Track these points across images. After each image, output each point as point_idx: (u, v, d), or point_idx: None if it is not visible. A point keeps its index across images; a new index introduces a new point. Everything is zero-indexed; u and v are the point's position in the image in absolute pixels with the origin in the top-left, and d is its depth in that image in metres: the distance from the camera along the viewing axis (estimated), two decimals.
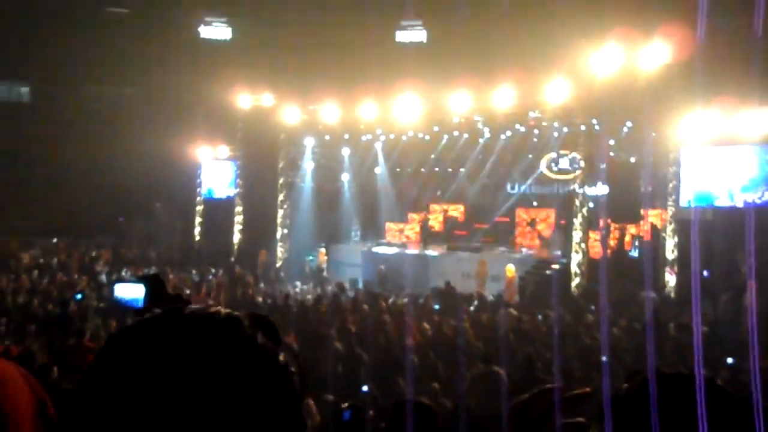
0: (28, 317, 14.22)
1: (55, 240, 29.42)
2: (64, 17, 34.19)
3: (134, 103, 36.27)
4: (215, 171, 32.54)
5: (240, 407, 1.02)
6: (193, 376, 1.01)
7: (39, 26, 33.96)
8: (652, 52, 18.93)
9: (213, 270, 25.02)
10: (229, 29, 38.58)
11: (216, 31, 38.64)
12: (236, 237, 31.08)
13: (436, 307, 18.68)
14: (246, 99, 29.03)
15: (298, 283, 25.07)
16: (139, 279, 2.39)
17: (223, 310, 1.11)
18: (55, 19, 33.99)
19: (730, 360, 10.78)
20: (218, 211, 32.06)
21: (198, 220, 32.86)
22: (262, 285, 23.20)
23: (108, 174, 32.36)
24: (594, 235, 23.52)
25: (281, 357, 1.11)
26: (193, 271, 24.70)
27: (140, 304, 2.34)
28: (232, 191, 31.66)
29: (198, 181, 32.82)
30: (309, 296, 21.26)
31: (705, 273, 20.31)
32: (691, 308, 16.18)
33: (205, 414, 1.00)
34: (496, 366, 9.57)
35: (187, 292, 18.97)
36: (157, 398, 1.00)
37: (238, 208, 31.22)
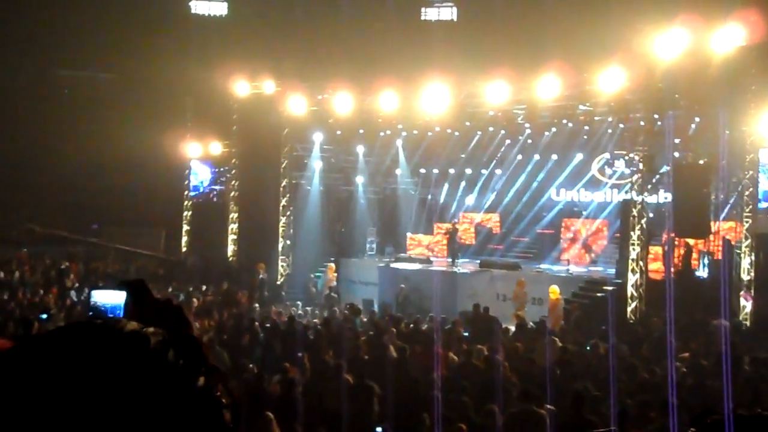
0: None
1: (25, 250, 29.57)
2: None
3: (113, 91, 36.48)
4: (206, 171, 32.70)
5: None
6: (85, 396, 1.01)
7: (4, 3, 34.25)
8: (725, 34, 18.82)
9: (203, 287, 25.09)
10: (225, 4, 38.82)
11: (209, 5, 38.89)
12: (230, 249, 31.19)
13: (466, 334, 18.64)
14: (244, 86, 29.11)
15: (300, 304, 25.10)
16: (120, 285, 2.43)
17: (132, 325, 1.11)
18: None
19: None
20: (210, 218, 32.18)
21: (185, 228, 32.99)
22: (257, 306, 23.23)
23: (81, 173, 32.61)
24: (654, 252, 23.38)
25: (200, 381, 1.10)
26: (179, 289, 24.75)
27: (121, 312, 2.37)
28: (228, 195, 31.77)
29: (186, 182, 32.97)
30: (315, 320, 21.28)
31: None
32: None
33: None
34: (537, 405, 9.53)
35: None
36: (44, 417, 1.00)
37: (233, 215, 31.32)
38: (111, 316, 2.48)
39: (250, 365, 13.36)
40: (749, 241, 20.86)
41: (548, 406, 9.64)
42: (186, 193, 33.08)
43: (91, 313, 2.57)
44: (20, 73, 35.82)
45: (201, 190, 33.05)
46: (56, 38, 34.28)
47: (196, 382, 1.08)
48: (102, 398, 1.01)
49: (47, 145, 32.85)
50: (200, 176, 32.43)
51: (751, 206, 20.92)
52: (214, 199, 32.03)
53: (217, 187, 31.89)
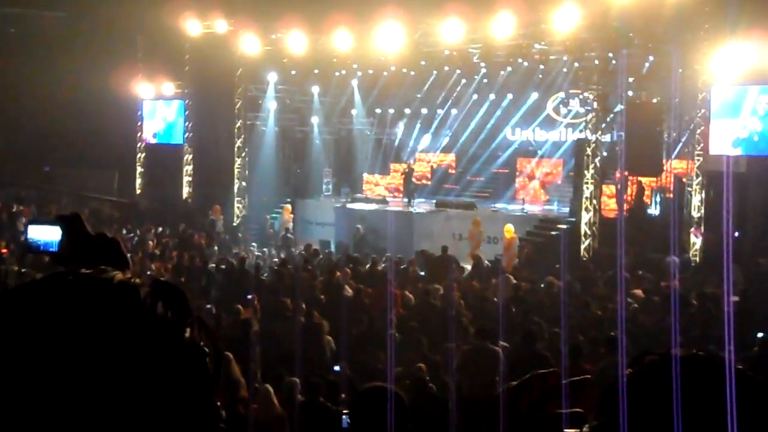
0: None
1: None
2: None
3: (62, 29, 35.54)
4: (159, 111, 32.20)
5: (132, 388, 1.01)
6: (77, 350, 1.00)
7: None
8: None
9: (159, 229, 24.92)
10: None
11: None
12: (185, 191, 30.93)
13: (422, 273, 18.81)
14: (195, 25, 28.59)
15: (255, 245, 25.05)
16: (55, 220, 2.41)
17: (119, 275, 1.10)
18: None
19: (761, 334, 10.94)
20: (163, 159, 31.82)
21: (139, 170, 32.61)
22: (215, 248, 23.17)
23: (31, 115, 31.89)
24: (608, 190, 23.65)
25: (187, 332, 1.11)
26: (134, 232, 24.58)
27: (56, 248, 2.34)
28: (179, 136, 31.38)
29: (138, 123, 32.49)
30: (274, 260, 21.30)
31: (736, 234, 20.57)
32: (715, 276, 16.39)
33: (91, 394, 0.99)
34: (492, 341, 9.68)
35: (128, 255, 18.88)
36: (33, 373, 0.99)
37: (188, 156, 31.02)
38: (46, 250, 2.46)
39: (207, 306, 13.38)
40: (700, 179, 21.15)
41: (502, 343, 9.78)
42: (139, 134, 32.60)
43: (28, 248, 2.55)
44: None
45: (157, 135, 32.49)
46: None
47: (184, 334, 1.09)
48: (93, 352, 1.01)
49: None
50: (169, 116, 31.76)
51: (702, 144, 21.15)
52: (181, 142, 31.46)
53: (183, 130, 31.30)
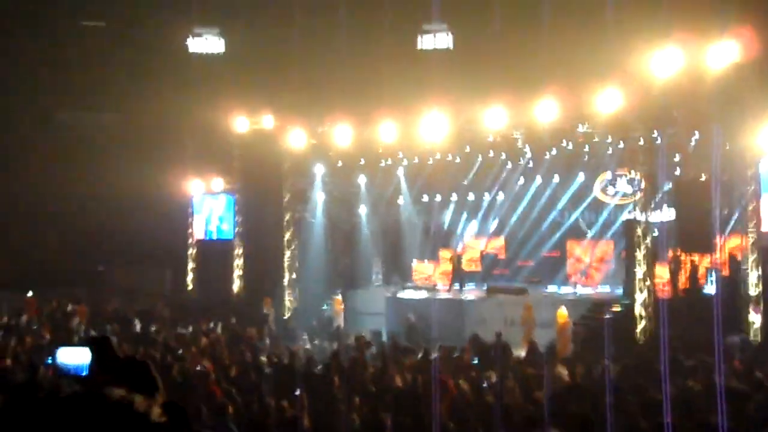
0: None
1: (30, 294, 29.54)
2: (30, 33, 34.74)
3: (114, 131, 36.64)
4: (209, 207, 32.78)
5: None
6: None
7: (2, 46, 34.47)
8: (720, 51, 18.91)
9: (210, 325, 25.05)
10: (222, 41, 39.01)
11: (206, 43, 39.11)
12: (236, 285, 31.19)
13: (475, 361, 18.59)
14: (243, 122, 29.31)
15: (306, 337, 25.00)
16: (85, 342, 2.45)
17: (139, 400, 1.13)
18: (20, 35, 34.54)
19: None
20: (214, 254, 32.25)
21: (190, 266, 33.03)
22: (267, 341, 23.19)
23: (85, 215, 32.69)
24: (661, 270, 23.31)
25: None
26: (186, 328, 24.72)
27: (85, 372, 2.38)
28: (229, 231, 31.84)
29: (189, 220, 33.04)
30: (324, 353, 21.21)
31: None
32: None
33: None
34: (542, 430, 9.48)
35: (180, 351, 19.02)
36: None
37: (238, 251, 31.40)
38: (76, 374, 2.50)
39: (258, 402, 13.31)
40: (755, 255, 20.80)
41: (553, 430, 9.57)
42: (189, 231, 33.13)
43: (59, 373, 2.59)
44: (21, 116, 35.99)
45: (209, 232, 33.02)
46: (56, 80, 34.52)
47: None
48: None
49: (50, 188, 32.96)
50: (219, 212, 32.37)
51: (755, 220, 20.86)
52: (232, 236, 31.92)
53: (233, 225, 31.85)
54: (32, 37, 34.47)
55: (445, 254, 31.23)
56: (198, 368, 16.10)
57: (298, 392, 13.47)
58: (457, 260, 28.68)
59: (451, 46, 36.82)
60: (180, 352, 18.99)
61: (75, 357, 2.24)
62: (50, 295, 29.27)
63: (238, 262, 31.36)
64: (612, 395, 12.67)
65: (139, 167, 31.21)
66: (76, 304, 27.74)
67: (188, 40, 38.70)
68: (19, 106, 35.40)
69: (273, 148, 29.14)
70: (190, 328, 24.39)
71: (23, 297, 28.88)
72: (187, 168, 32.42)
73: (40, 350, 19.12)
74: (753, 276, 20.75)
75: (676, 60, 19.30)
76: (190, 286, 32.83)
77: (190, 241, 33.20)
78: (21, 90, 34.80)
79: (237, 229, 31.58)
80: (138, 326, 24.63)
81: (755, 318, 20.39)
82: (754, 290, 20.65)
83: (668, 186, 25.13)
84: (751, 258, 20.92)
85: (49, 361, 16.50)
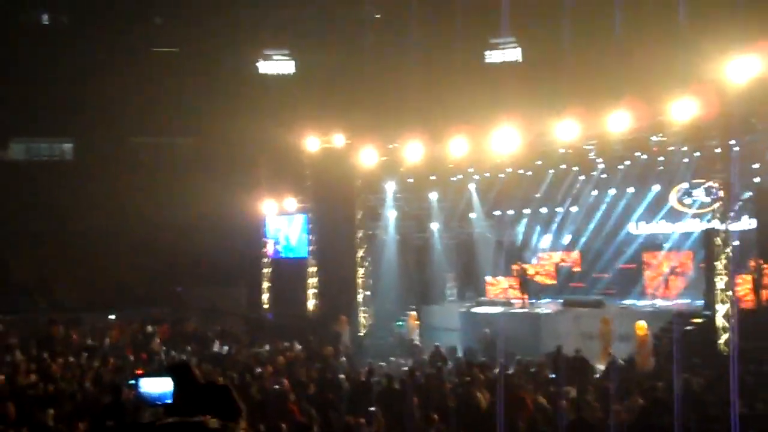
0: (78, 407, 14.69)
1: (113, 317, 30.23)
2: (107, 62, 35.73)
3: (188, 154, 37.53)
4: (283, 226, 33.18)
5: None
6: None
7: (79, 74, 35.52)
8: None
9: (286, 343, 25.28)
10: (292, 62, 39.62)
11: (277, 65, 39.73)
12: (311, 303, 31.46)
13: (552, 375, 18.41)
14: (314, 141, 29.62)
15: (383, 356, 25.00)
16: (166, 371, 2.51)
17: (213, 423, 1.18)
18: (97, 64, 35.55)
19: None
20: (289, 273, 32.60)
21: (265, 285, 33.44)
22: (343, 359, 23.30)
23: (163, 236, 33.40)
24: (744, 280, 22.79)
25: None
26: (262, 347, 25.00)
27: (169, 399, 2.44)
28: (303, 249, 32.17)
29: (263, 239, 33.49)
30: (402, 369, 21.21)
31: None
32: None
33: None
34: None
35: (258, 370, 19.24)
36: None
37: (312, 269, 31.70)
38: (160, 402, 2.55)
39: (337, 420, 13.40)
40: None
41: None
42: (264, 250, 33.57)
43: (143, 401, 2.64)
44: (99, 140, 36.98)
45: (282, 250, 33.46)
46: (131, 107, 35.41)
47: None
48: None
49: (128, 211, 33.77)
50: (294, 231, 32.81)
51: None
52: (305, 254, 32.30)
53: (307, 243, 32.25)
54: (107, 64, 35.45)
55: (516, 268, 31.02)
56: (276, 387, 16.26)
57: (372, 409, 13.56)
58: (521, 273, 28.43)
59: (519, 59, 36.77)
60: (258, 371, 19.20)
61: (157, 385, 2.32)
62: (131, 317, 29.90)
63: (312, 281, 31.64)
64: (697, 409, 12.45)
65: (214, 188, 31.87)
66: (157, 324, 28.28)
67: (259, 62, 39.39)
68: (96, 130, 36.44)
69: (344, 167, 29.38)
70: (267, 347, 24.67)
71: (106, 319, 29.58)
72: (260, 188, 32.91)
73: (123, 371, 19.54)
74: None
75: (753, 66, 18.90)
76: (266, 305, 33.20)
77: (264, 260, 33.61)
78: (99, 115, 35.80)
79: (310, 247, 31.89)
80: (216, 346, 24.99)
81: None
82: None
83: (749, 194, 24.60)
84: None
85: (132, 383, 16.89)
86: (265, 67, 39.77)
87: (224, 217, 31.78)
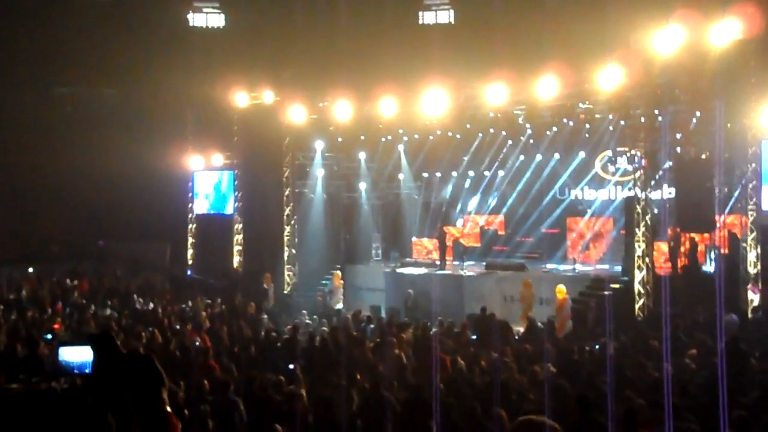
0: None
1: (30, 270, 29.59)
2: (31, 10, 34.52)
3: (114, 106, 36.59)
4: (210, 182, 32.75)
5: None
6: None
7: (3, 22, 34.25)
8: (722, 28, 18.79)
9: (209, 300, 25.09)
10: (222, 15, 38.88)
11: (207, 18, 38.95)
12: (236, 260, 31.23)
13: (474, 337, 18.63)
14: (243, 97, 29.17)
15: (306, 313, 25.02)
16: (86, 340, 2.42)
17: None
18: (21, 12, 34.34)
19: None
20: (215, 229, 32.24)
21: (190, 241, 33.08)
22: (265, 316, 23.23)
23: (85, 190, 32.67)
24: (661, 248, 23.31)
25: None
26: (186, 303, 24.76)
27: (89, 369, 2.34)
28: (229, 206, 31.84)
29: (189, 195, 33.04)
30: (323, 329, 21.26)
31: None
32: None
33: None
34: (540, 409, 9.48)
35: (177, 326, 19.08)
36: None
37: (238, 226, 31.42)
38: (80, 372, 2.46)
39: (257, 376, 13.33)
40: (755, 233, 20.78)
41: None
42: (190, 206, 33.15)
43: (61, 371, 2.54)
44: (21, 93, 35.86)
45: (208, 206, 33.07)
46: (56, 56, 34.38)
47: None
48: None
49: (50, 163, 32.90)
50: (220, 187, 32.39)
51: (754, 199, 20.83)
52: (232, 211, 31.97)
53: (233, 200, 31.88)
54: (32, 13, 34.27)
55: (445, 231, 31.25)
56: (197, 343, 16.14)
57: (292, 366, 13.56)
58: (441, 236, 28.61)
59: (452, 21, 36.69)
60: (178, 327, 19.05)
61: (77, 354, 2.22)
62: (52, 270, 29.32)
63: (238, 238, 31.39)
64: (611, 373, 12.71)
65: (139, 142, 31.22)
66: (77, 278, 27.79)
67: (188, 14, 38.56)
68: (19, 80, 35.30)
69: (273, 124, 29.05)
70: (190, 303, 24.45)
71: (24, 272, 28.95)
72: (187, 143, 32.37)
73: (41, 325, 19.17)
74: (752, 255, 20.74)
75: (679, 37, 19.15)
76: (191, 261, 32.87)
77: (190, 216, 33.20)
78: (20, 65, 34.70)
79: (237, 204, 31.56)
80: (138, 301, 24.65)
81: (754, 297, 20.38)
82: (753, 269, 20.64)
83: (669, 164, 25.07)
84: (750, 236, 20.90)
85: (48, 337, 16.58)
86: (195, 19, 38.95)
87: (149, 171, 31.17)
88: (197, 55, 35.12)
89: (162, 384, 2.43)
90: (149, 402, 2.31)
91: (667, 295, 20.38)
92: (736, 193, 23.31)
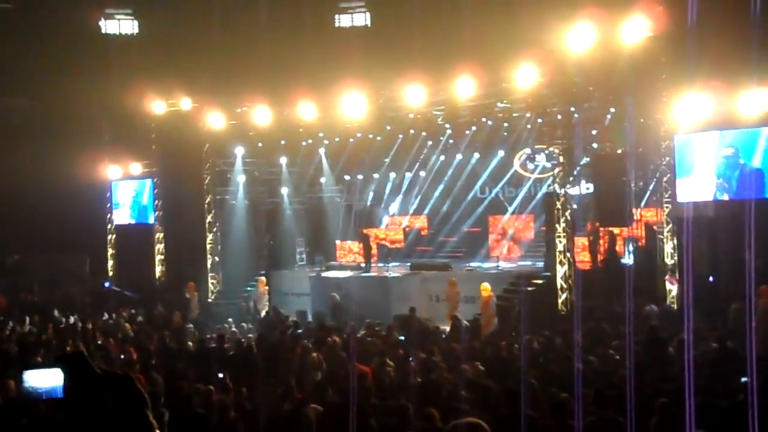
0: None
1: None
2: None
3: (25, 116, 35.55)
4: (129, 192, 32.15)
5: None
6: None
7: None
8: (632, 26, 19.23)
9: (132, 311, 24.62)
10: (135, 22, 38.19)
11: (119, 24, 38.21)
12: (158, 269, 30.74)
13: (401, 338, 18.65)
14: (160, 104, 28.72)
15: (231, 320, 24.73)
16: (55, 361, 2.25)
17: None
18: None
19: (744, 379, 10.88)
20: (135, 239, 31.67)
21: (110, 252, 32.44)
22: (190, 326, 22.91)
23: None
24: (581, 242, 23.73)
25: None
26: (110, 316, 24.24)
27: (60, 394, 2.17)
28: (149, 215, 31.30)
29: (108, 205, 32.38)
30: (249, 336, 21.05)
31: (710, 278, 20.65)
32: (698, 321, 16.38)
33: None
34: (471, 407, 9.54)
35: (99, 342, 18.67)
36: None
37: (159, 235, 30.92)
38: (50, 398, 2.23)
39: (185, 387, 13.11)
40: (670, 226, 21.30)
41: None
42: (108, 216, 32.50)
43: (28, 398, 2.29)
44: None
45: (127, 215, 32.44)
46: None
47: None
48: None
49: None
50: (138, 196, 31.76)
51: (669, 192, 21.35)
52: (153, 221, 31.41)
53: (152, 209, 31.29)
54: None
55: (368, 233, 31.27)
56: (122, 356, 15.83)
57: (221, 375, 13.37)
58: (365, 238, 28.64)
59: (368, 23, 36.76)
60: (100, 342, 18.65)
61: (44, 380, 2.00)
62: None
63: (160, 247, 30.90)
64: (535, 368, 12.88)
65: (53, 152, 30.40)
66: None
67: (100, 21, 37.77)
68: None
69: (192, 131, 28.69)
70: (114, 315, 23.96)
71: None
72: (103, 152, 31.74)
73: None
74: (668, 246, 21.26)
75: (590, 35, 19.50)
76: (111, 273, 32.21)
77: (109, 226, 32.55)
78: None
79: (157, 213, 31.04)
80: (59, 316, 24.02)
81: (672, 287, 20.88)
82: (669, 260, 21.15)
83: (586, 160, 25.59)
84: (666, 229, 21.41)
85: None
86: (108, 26, 38.16)
87: (65, 183, 30.37)
88: (111, 62, 34.41)
89: (145, 405, 2.31)
90: (134, 426, 2.17)
91: (581, 289, 20.83)
92: (651, 187, 23.94)
